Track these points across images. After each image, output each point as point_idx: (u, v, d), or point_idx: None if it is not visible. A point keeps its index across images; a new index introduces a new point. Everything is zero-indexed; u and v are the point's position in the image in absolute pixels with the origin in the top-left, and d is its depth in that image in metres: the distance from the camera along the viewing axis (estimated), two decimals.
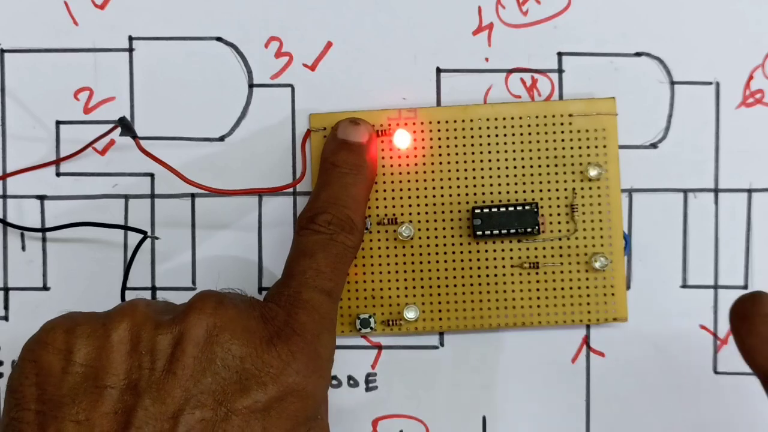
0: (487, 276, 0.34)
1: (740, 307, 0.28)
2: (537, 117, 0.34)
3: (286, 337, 0.28)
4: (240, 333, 0.27)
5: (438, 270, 0.34)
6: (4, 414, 0.27)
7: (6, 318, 0.35)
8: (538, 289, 0.34)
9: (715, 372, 0.35)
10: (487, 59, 0.35)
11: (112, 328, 0.27)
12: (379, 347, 0.35)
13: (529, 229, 0.33)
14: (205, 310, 0.27)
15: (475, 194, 0.34)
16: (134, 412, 0.26)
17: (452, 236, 0.34)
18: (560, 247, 0.34)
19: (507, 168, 0.34)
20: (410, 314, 0.34)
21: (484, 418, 0.35)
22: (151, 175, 0.35)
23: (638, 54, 0.35)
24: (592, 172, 0.34)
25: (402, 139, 0.34)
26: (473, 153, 0.34)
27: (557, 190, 0.34)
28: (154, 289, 0.35)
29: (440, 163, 0.34)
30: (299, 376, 0.27)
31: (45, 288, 0.35)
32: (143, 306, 0.28)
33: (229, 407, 0.26)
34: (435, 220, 0.34)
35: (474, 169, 0.34)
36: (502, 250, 0.34)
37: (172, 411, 0.26)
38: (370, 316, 0.34)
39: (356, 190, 0.32)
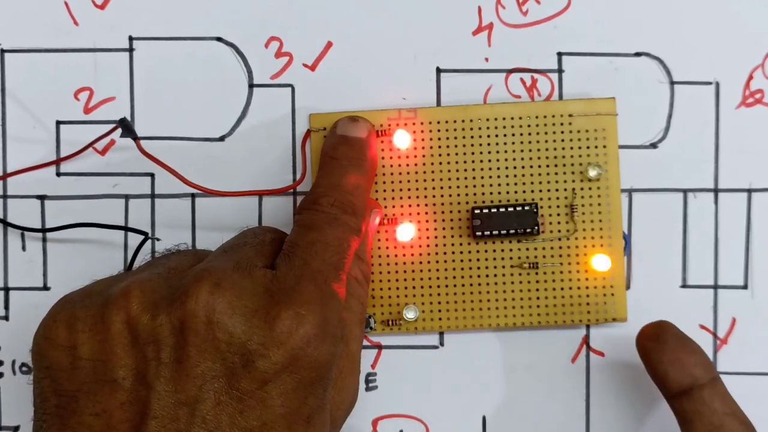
0: (487, 276, 0.34)
1: (650, 329, 0.31)
2: (537, 117, 0.34)
3: (292, 305, 0.27)
4: (240, 315, 0.27)
5: (438, 270, 0.34)
6: (33, 401, 0.28)
7: (6, 318, 0.35)
8: (537, 290, 0.34)
9: None
10: (487, 59, 0.35)
11: (110, 322, 0.27)
12: (379, 347, 0.35)
13: (528, 230, 0.33)
14: (201, 296, 0.27)
15: (474, 194, 0.34)
16: (149, 402, 0.26)
17: (452, 236, 0.34)
18: (560, 248, 0.34)
19: (507, 168, 0.34)
20: (410, 314, 0.34)
21: (484, 418, 0.35)
22: (152, 175, 0.35)
23: (638, 54, 0.35)
24: (592, 173, 0.34)
25: (402, 139, 0.34)
26: (473, 153, 0.34)
27: (557, 190, 0.34)
28: None
29: (440, 163, 0.34)
30: (306, 342, 0.27)
31: (45, 288, 0.35)
32: (137, 292, 0.27)
33: (241, 388, 0.26)
34: (435, 220, 0.34)
35: (474, 169, 0.34)
36: (502, 251, 0.34)
37: (186, 398, 0.26)
38: (369, 316, 0.34)
39: (357, 179, 0.32)
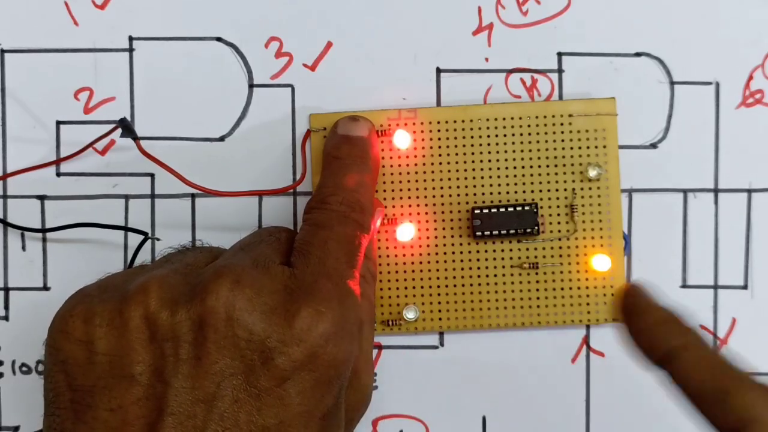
0: (487, 276, 0.34)
1: (623, 302, 0.31)
2: (537, 117, 0.34)
3: (311, 302, 0.27)
4: (260, 312, 0.27)
5: (438, 270, 0.34)
6: (45, 395, 0.28)
7: (6, 318, 0.35)
8: (537, 290, 0.34)
9: None
10: (487, 59, 0.35)
11: (129, 317, 0.27)
12: (379, 347, 0.35)
13: (528, 230, 0.33)
14: (222, 292, 0.26)
15: (474, 194, 0.34)
16: (165, 399, 0.26)
17: (452, 236, 0.34)
18: (560, 248, 0.34)
19: (507, 168, 0.34)
20: (410, 314, 0.34)
21: (484, 418, 0.35)
22: (152, 176, 0.35)
23: (638, 54, 0.35)
24: (592, 173, 0.34)
25: (402, 140, 0.34)
26: (473, 153, 0.34)
27: (557, 190, 0.34)
28: None
29: (440, 163, 0.34)
30: (325, 339, 0.27)
31: (45, 288, 0.35)
32: (156, 288, 0.27)
33: (259, 386, 0.26)
34: (435, 221, 0.34)
35: (474, 169, 0.34)
36: (502, 251, 0.34)
37: (203, 395, 0.26)
38: None
39: (362, 177, 0.32)
